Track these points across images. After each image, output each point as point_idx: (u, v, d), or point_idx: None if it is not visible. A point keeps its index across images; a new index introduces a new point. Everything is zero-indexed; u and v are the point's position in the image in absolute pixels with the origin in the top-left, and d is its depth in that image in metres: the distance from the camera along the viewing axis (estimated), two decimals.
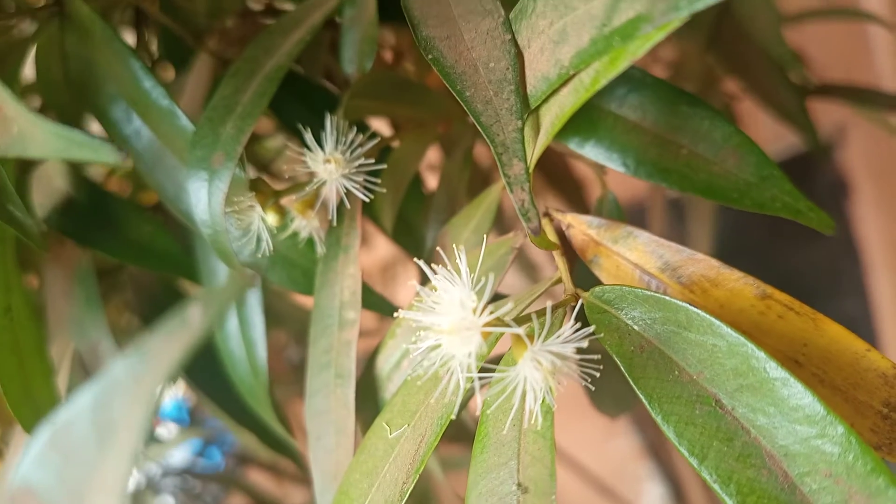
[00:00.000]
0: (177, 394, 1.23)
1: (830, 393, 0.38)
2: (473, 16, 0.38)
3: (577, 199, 0.85)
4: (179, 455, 1.44)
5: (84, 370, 0.62)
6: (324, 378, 0.48)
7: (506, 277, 0.46)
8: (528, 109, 0.35)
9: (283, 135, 0.87)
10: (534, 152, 0.34)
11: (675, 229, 1.19)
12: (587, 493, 1.57)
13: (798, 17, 1.02)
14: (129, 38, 0.69)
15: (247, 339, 0.55)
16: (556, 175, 0.91)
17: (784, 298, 0.38)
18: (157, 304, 0.67)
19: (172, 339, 0.21)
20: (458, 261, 0.33)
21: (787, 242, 1.71)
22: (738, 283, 0.39)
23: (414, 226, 0.60)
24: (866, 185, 1.60)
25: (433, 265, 0.33)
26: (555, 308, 0.37)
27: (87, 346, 0.62)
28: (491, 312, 0.31)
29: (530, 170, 0.33)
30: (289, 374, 1.20)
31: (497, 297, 0.45)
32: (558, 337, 0.32)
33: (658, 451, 1.91)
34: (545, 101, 0.34)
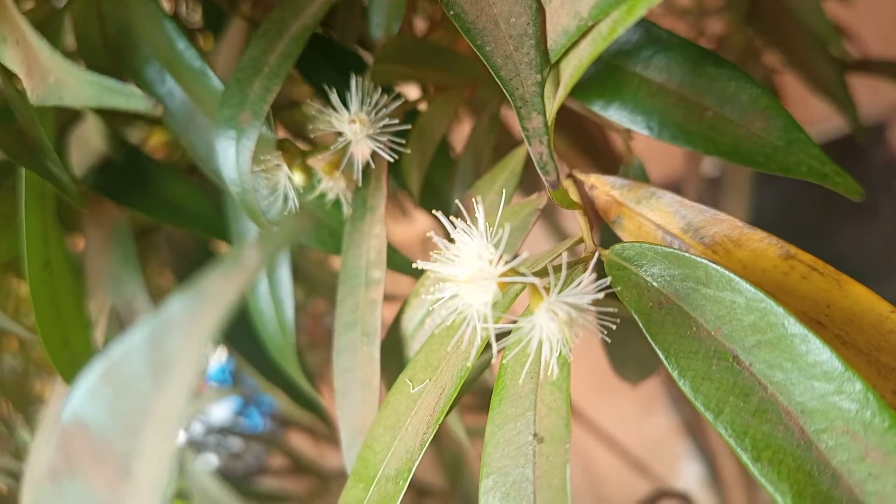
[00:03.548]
0: (221, 356, 1.26)
1: (853, 355, 0.38)
2: None
3: (614, 172, 0.85)
4: (221, 414, 1.48)
5: (120, 324, 0.64)
6: (350, 336, 0.49)
7: (539, 245, 0.46)
8: (548, 64, 0.35)
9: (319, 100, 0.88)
10: (553, 106, 0.34)
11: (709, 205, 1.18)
12: (623, 470, 1.57)
13: None
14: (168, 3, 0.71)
15: (275, 299, 0.57)
16: (594, 149, 0.90)
17: (808, 259, 0.38)
18: (192, 263, 0.69)
19: (228, 278, 0.21)
20: (476, 214, 0.33)
21: (835, 222, 1.68)
22: (762, 244, 0.39)
23: (440, 190, 0.61)
24: None
25: (451, 218, 0.33)
26: (574, 264, 0.38)
27: (123, 302, 0.64)
28: (506, 263, 0.31)
29: (549, 123, 0.33)
30: (327, 339, 1.22)
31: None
32: (575, 289, 0.32)
33: (695, 430, 1.91)
34: (565, 54, 0.35)
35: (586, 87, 0.46)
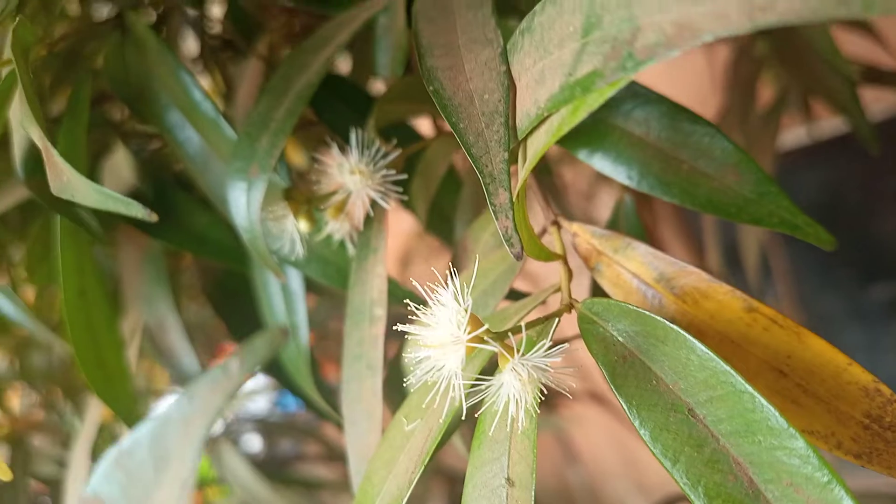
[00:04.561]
0: None
1: (814, 403, 0.40)
2: (476, 45, 0.41)
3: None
4: (261, 402, 1.55)
5: (152, 341, 0.69)
6: (356, 368, 0.52)
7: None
8: (515, 140, 0.37)
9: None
10: (519, 182, 0.37)
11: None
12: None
13: None
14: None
15: (292, 323, 0.61)
16: None
17: (769, 312, 0.40)
18: (220, 283, 0.73)
19: (216, 387, 0.26)
20: (451, 280, 0.36)
21: (881, 205, 1.64)
22: (727, 297, 0.41)
23: (448, 216, 0.64)
24: None
25: (429, 284, 0.37)
26: (549, 317, 0.40)
27: (155, 321, 0.69)
28: (469, 332, 0.34)
29: (514, 199, 0.36)
30: None
31: (515, 295, 0.49)
32: (538, 350, 0.35)
33: None
34: (530, 133, 0.37)
35: (573, 135, 0.48)
